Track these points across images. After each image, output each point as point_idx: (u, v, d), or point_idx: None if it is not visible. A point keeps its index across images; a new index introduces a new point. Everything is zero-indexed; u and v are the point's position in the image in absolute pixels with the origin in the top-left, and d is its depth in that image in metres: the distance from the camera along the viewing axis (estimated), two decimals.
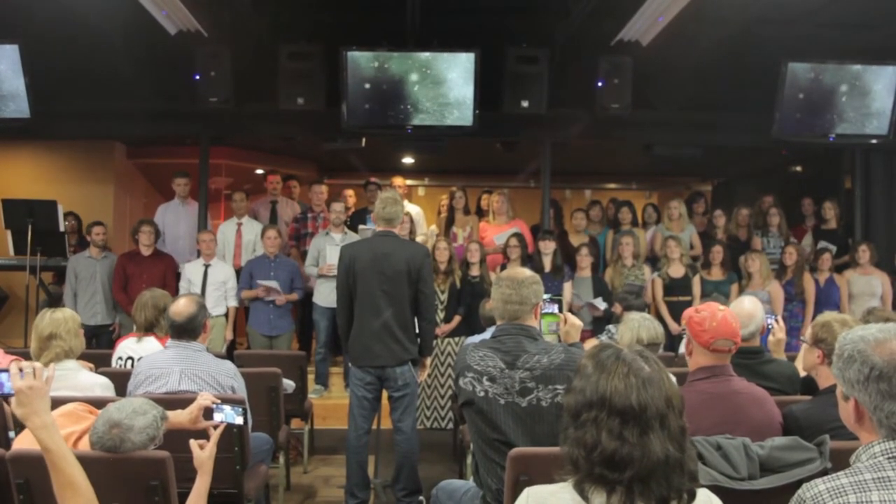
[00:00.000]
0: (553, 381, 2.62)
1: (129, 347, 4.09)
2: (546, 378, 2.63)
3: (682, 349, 4.98)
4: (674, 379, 1.67)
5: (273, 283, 6.48)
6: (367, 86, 6.32)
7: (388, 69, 6.29)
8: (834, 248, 7.16)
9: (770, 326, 3.62)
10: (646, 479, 1.48)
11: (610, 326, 5.82)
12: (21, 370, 2.23)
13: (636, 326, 3.91)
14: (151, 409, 2.55)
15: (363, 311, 4.32)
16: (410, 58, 6.28)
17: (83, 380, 3.38)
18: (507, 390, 2.64)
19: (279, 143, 9.05)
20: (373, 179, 8.22)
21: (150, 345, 3.97)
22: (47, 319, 3.42)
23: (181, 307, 3.43)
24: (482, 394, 2.66)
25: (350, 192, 8.34)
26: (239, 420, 2.82)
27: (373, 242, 4.49)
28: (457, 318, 6.45)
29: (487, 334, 5.21)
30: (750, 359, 3.16)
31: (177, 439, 2.68)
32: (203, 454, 2.61)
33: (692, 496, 1.53)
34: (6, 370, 2.28)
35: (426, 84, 6.31)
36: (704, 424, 2.41)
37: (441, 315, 6.43)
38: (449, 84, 6.31)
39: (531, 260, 6.75)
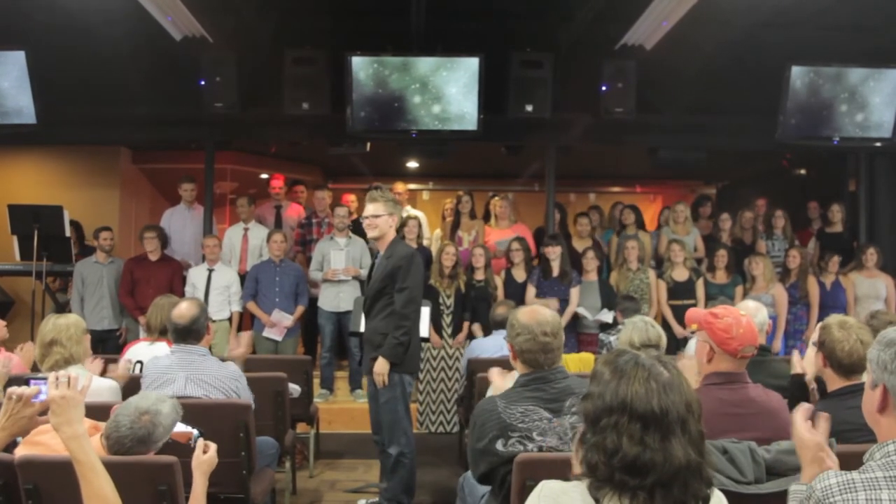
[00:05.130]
0: None
1: (140, 351, 4.11)
2: None
3: (688, 351, 4.98)
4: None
5: (286, 320, 6.54)
6: (372, 92, 6.34)
7: (388, 83, 6.32)
8: (837, 257, 7.15)
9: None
10: (668, 484, 1.47)
11: (601, 336, 5.84)
12: (57, 379, 2.22)
13: (630, 329, 3.90)
14: (166, 397, 2.62)
15: (419, 317, 4.36)
16: (411, 71, 6.30)
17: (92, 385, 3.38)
18: (560, 440, 2.50)
19: (284, 147, 9.07)
20: (377, 185, 8.18)
21: (162, 349, 3.98)
22: (50, 325, 3.43)
23: (183, 310, 3.46)
24: (535, 450, 2.49)
25: (353, 198, 8.33)
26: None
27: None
28: (466, 325, 6.46)
29: (495, 336, 5.23)
30: (760, 355, 3.18)
31: (184, 444, 2.69)
32: (205, 457, 2.60)
33: (706, 502, 1.53)
34: (45, 378, 2.27)
35: (426, 100, 6.34)
36: (717, 431, 2.40)
37: (448, 319, 6.42)
38: (448, 98, 6.35)
39: (537, 262, 6.75)
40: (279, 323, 6.54)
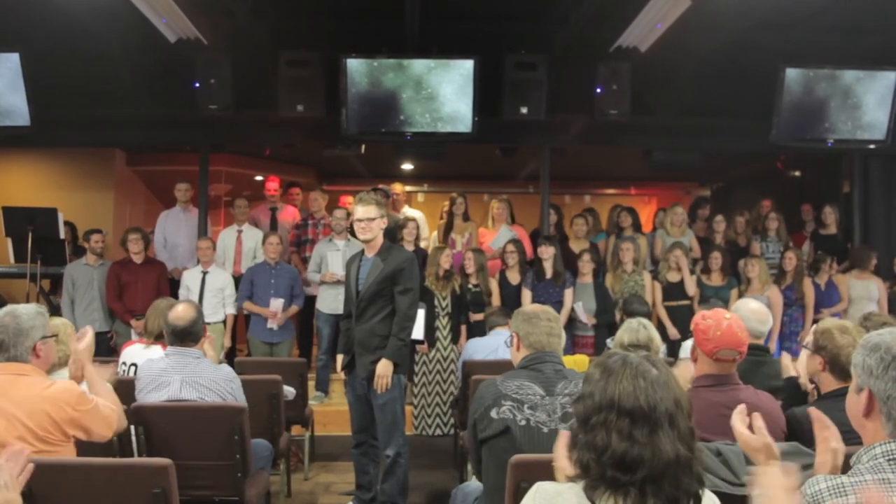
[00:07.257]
0: None
1: (135, 354, 4.09)
2: None
3: (682, 354, 4.99)
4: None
5: (279, 305, 6.50)
6: (366, 93, 6.35)
7: (383, 85, 6.32)
8: (834, 259, 7.17)
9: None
10: (658, 479, 1.48)
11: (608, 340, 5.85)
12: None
13: (623, 330, 3.90)
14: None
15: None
16: (405, 72, 6.30)
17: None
18: (549, 417, 2.60)
19: (279, 149, 9.07)
20: (381, 186, 8.12)
21: (157, 353, 3.97)
22: None
23: (181, 312, 3.45)
24: (524, 422, 2.59)
25: (352, 199, 8.29)
26: None
27: None
28: (463, 328, 6.45)
29: (492, 336, 5.24)
30: (757, 356, 3.18)
31: (179, 447, 2.69)
32: (80, 345, 2.94)
33: (698, 500, 1.54)
34: None
35: (420, 99, 6.35)
36: (709, 432, 2.40)
37: (444, 321, 6.40)
38: (442, 99, 6.36)
39: (530, 265, 6.75)
40: (278, 311, 6.49)
